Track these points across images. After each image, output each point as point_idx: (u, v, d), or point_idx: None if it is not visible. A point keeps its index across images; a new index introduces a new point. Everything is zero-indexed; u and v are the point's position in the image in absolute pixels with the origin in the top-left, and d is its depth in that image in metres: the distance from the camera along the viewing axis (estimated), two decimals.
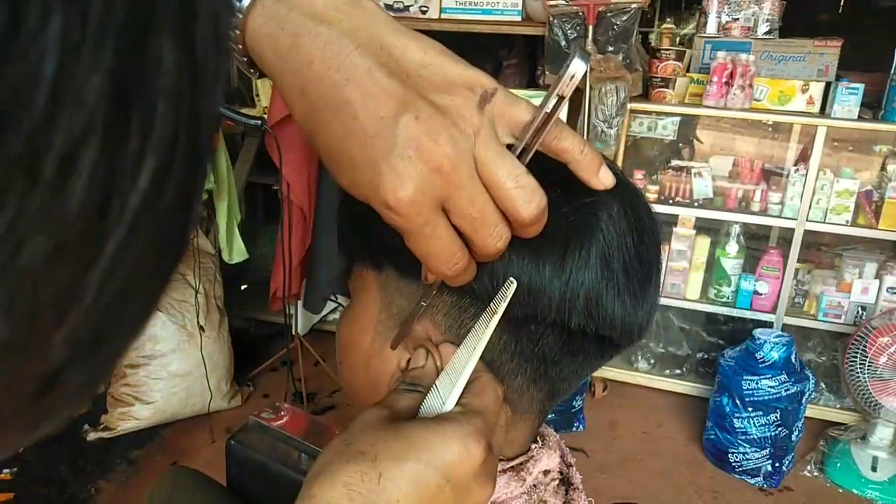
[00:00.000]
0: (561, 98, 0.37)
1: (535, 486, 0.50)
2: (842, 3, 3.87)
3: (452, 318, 0.45)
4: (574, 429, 2.46)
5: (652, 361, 2.80)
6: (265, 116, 2.14)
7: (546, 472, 0.51)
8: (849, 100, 2.29)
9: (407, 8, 2.47)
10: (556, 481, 0.51)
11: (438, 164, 0.34)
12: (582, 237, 0.42)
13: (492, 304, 0.42)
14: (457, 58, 0.38)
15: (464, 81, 0.37)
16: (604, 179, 0.41)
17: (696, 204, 2.55)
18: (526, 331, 0.44)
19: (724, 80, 2.38)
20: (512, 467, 0.49)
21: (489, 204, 0.36)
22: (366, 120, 0.34)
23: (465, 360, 0.42)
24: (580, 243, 0.42)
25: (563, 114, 0.39)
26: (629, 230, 0.44)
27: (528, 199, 0.36)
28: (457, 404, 0.42)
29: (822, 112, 2.38)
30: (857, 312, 2.45)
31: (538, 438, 0.52)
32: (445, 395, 0.42)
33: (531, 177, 0.37)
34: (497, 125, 0.37)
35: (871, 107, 2.38)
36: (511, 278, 0.41)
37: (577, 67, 0.36)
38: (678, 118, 2.56)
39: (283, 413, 0.97)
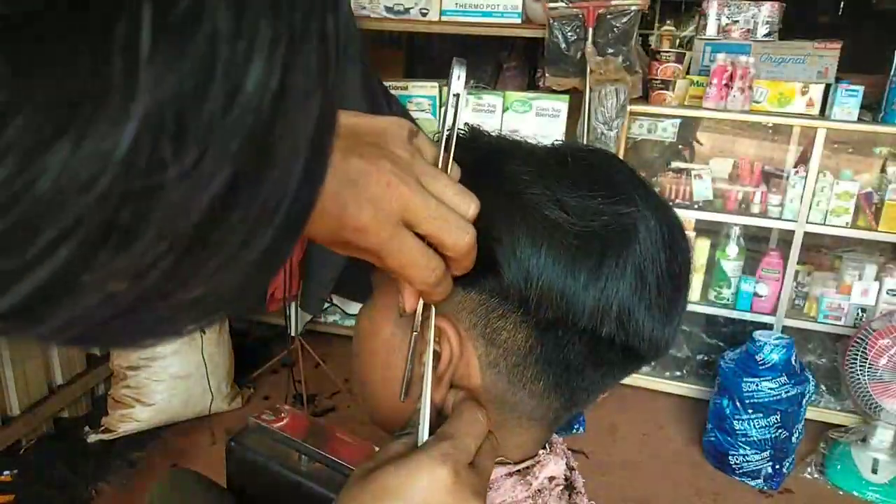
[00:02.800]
0: (457, 96, 0.42)
1: (539, 490, 0.50)
2: (841, 6, 3.88)
3: (479, 316, 0.45)
4: (574, 431, 2.46)
5: (652, 363, 2.80)
6: None
7: (551, 479, 0.51)
8: (848, 102, 2.29)
9: (407, 10, 2.48)
10: (561, 486, 0.51)
11: (387, 181, 0.38)
12: (619, 246, 0.42)
13: (431, 342, 0.44)
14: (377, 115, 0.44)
15: (390, 123, 0.42)
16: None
17: (696, 206, 2.55)
18: (553, 335, 0.44)
19: (723, 82, 2.38)
20: (518, 471, 0.49)
21: (442, 205, 0.40)
22: None
23: (424, 396, 0.43)
24: (617, 252, 0.42)
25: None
26: (663, 245, 0.44)
27: (469, 201, 0.41)
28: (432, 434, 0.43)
29: (822, 114, 2.38)
30: (858, 314, 2.45)
31: (546, 445, 0.52)
32: (421, 434, 0.43)
33: (461, 185, 0.42)
34: (423, 155, 0.43)
35: (871, 109, 2.38)
36: (441, 325, 0.44)
37: (458, 71, 0.42)
38: (678, 120, 2.56)
39: (283, 415, 0.97)
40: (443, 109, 0.43)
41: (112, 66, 0.12)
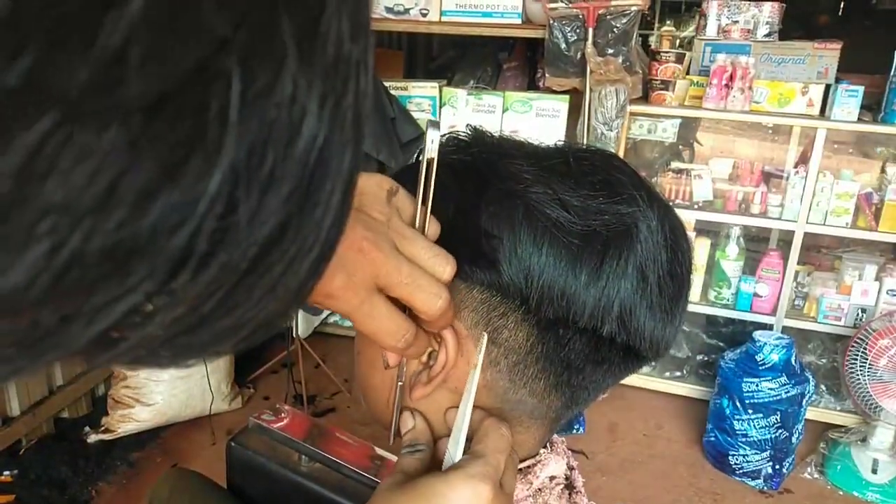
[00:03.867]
0: (431, 160, 0.41)
1: (540, 489, 0.50)
2: (841, 6, 3.88)
3: (480, 314, 0.45)
4: (574, 431, 2.46)
5: (652, 363, 2.80)
6: None
7: (552, 478, 0.51)
8: (848, 102, 2.30)
9: (407, 11, 2.48)
10: (561, 486, 0.51)
11: (359, 247, 0.38)
12: (621, 246, 0.42)
13: (473, 360, 0.44)
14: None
15: (368, 183, 0.42)
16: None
17: (696, 206, 2.55)
18: (554, 334, 0.44)
19: (723, 82, 2.38)
20: (520, 470, 0.49)
21: (416, 269, 0.40)
22: None
23: (461, 416, 0.44)
24: (618, 252, 0.42)
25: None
26: (665, 245, 0.44)
27: (444, 264, 0.41)
28: (465, 453, 0.43)
29: (822, 114, 2.38)
30: (857, 315, 2.45)
31: (547, 444, 0.52)
32: (453, 451, 0.43)
33: (439, 246, 0.41)
34: (401, 214, 0.42)
35: (871, 109, 2.38)
36: (485, 333, 0.44)
37: (432, 134, 0.41)
38: (678, 120, 2.56)
39: (283, 415, 0.97)
40: (420, 173, 0.42)
41: (207, 132, 0.15)
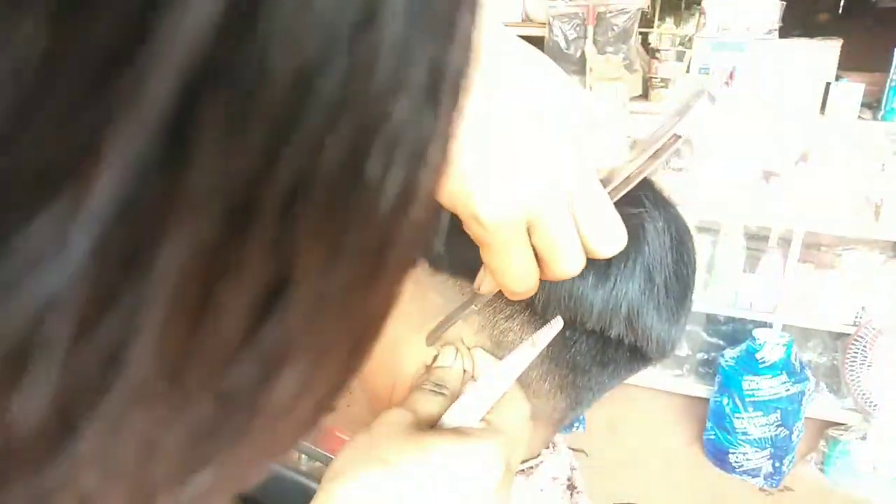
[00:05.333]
0: (675, 137, 0.32)
1: (542, 489, 0.50)
2: (841, 4, 3.87)
3: (486, 317, 0.44)
4: (574, 429, 2.46)
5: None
6: None
7: (554, 478, 0.51)
8: (848, 99, 2.30)
9: None
10: (563, 486, 0.51)
11: (536, 184, 0.32)
12: (628, 247, 0.41)
13: (534, 337, 0.41)
14: (562, 75, 0.35)
15: (560, 94, 0.34)
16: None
17: (695, 204, 2.54)
18: (560, 335, 0.43)
19: (723, 80, 2.38)
20: (522, 470, 0.49)
21: (574, 231, 0.33)
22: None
23: (500, 380, 0.41)
24: (626, 253, 0.41)
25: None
26: (671, 247, 0.44)
27: (611, 238, 0.34)
28: (482, 419, 0.41)
29: (822, 112, 2.38)
30: (858, 312, 2.45)
31: (549, 444, 0.52)
32: (473, 409, 0.41)
33: (617, 214, 0.35)
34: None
35: (871, 107, 2.38)
36: (558, 316, 0.41)
37: (702, 107, 0.32)
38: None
39: None
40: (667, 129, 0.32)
41: None
